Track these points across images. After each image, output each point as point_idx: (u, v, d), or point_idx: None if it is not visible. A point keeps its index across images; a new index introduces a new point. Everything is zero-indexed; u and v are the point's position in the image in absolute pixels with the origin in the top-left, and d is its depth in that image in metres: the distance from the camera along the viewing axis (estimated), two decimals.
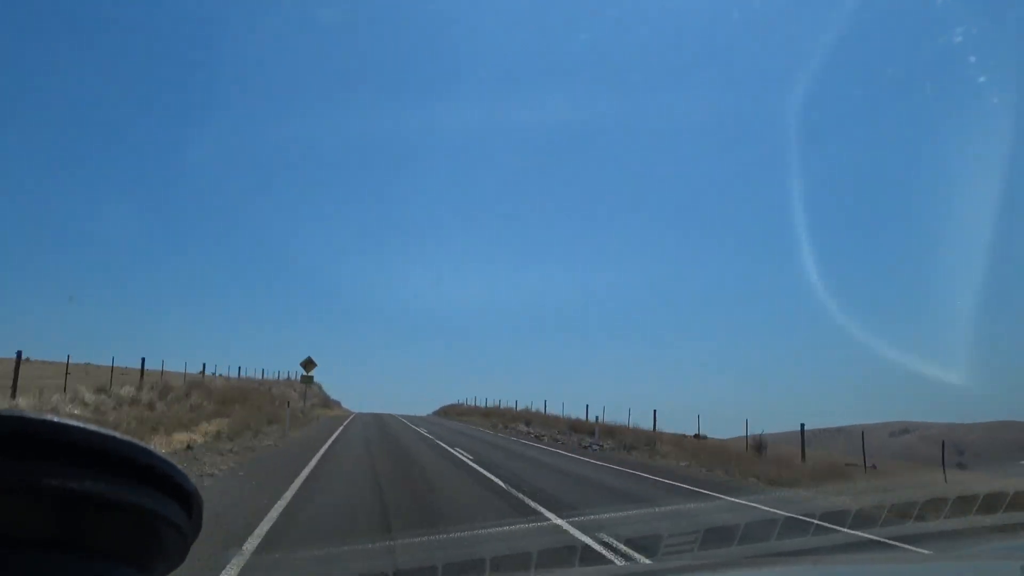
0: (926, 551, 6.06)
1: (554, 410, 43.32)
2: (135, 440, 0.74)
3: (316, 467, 13.93)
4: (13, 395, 17.98)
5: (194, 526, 0.84)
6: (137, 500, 0.73)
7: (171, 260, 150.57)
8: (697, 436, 30.70)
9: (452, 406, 68.31)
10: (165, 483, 0.77)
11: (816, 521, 8.30)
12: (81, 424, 0.70)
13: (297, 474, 12.49)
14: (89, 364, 44.76)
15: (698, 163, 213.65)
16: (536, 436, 32.16)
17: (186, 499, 0.80)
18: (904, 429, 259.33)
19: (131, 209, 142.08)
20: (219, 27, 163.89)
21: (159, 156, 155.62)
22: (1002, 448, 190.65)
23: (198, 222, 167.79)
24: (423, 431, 30.77)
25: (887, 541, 8.00)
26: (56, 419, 0.69)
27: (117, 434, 0.73)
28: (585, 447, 26.14)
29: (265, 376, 54.83)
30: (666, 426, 30.52)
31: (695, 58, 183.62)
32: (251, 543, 6.86)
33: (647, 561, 6.27)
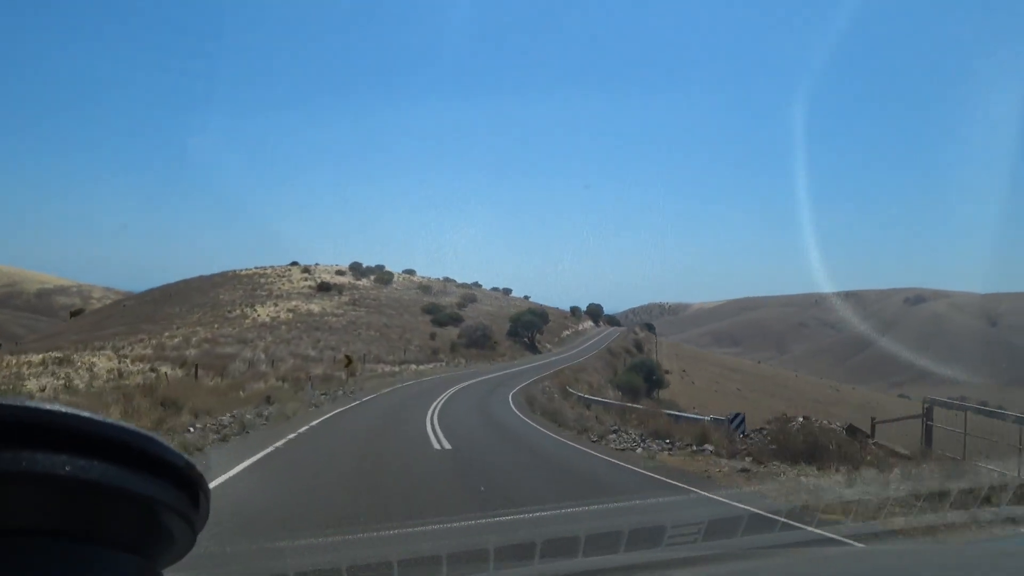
0: None
1: None
2: (140, 429, 0.73)
3: None
4: None
5: (201, 514, 0.82)
6: (142, 489, 0.72)
7: None
8: None
9: None
10: (171, 471, 0.75)
11: None
12: (86, 414, 0.69)
13: None
14: None
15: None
16: None
17: (192, 488, 0.79)
18: (920, 296, 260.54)
19: None
20: None
21: None
22: None
23: None
24: None
25: None
26: (61, 408, 0.68)
27: (122, 423, 0.72)
28: None
29: None
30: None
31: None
32: None
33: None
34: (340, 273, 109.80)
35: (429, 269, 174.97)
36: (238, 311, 65.71)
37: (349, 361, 29.38)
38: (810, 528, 6.44)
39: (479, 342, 55.72)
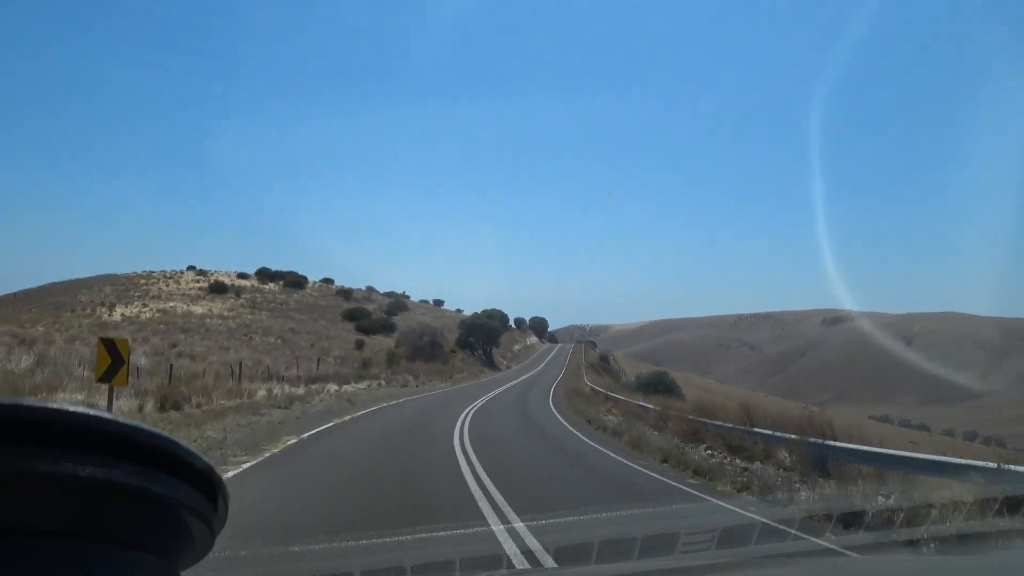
0: None
1: None
2: (159, 431, 0.72)
3: None
4: None
5: (220, 516, 0.81)
6: (161, 490, 0.71)
7: None
8: None
9: None
10: (190, 473, 0.74)
11: None
12: (106, 415, 0.69)
13: None
14: None
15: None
16: None
17: (212, 489, 0.78)
18: (837, 317, 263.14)
19: None
20: None
21: None
22: (954, 339, 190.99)
23: None
24: None
25: None
26: (84, 410, 0.67)
27: (144, 425, 0.71)
28: None
29: None
30: None
31: None
32: None
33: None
34: (243, 277, 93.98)
35: (350, 280, 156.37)
36: (88, 311, 48.36)
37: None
38: None
39: (427, 352, 39.09)
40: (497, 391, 30.94)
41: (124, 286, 75.28)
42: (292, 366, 25.74)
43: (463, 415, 18.10)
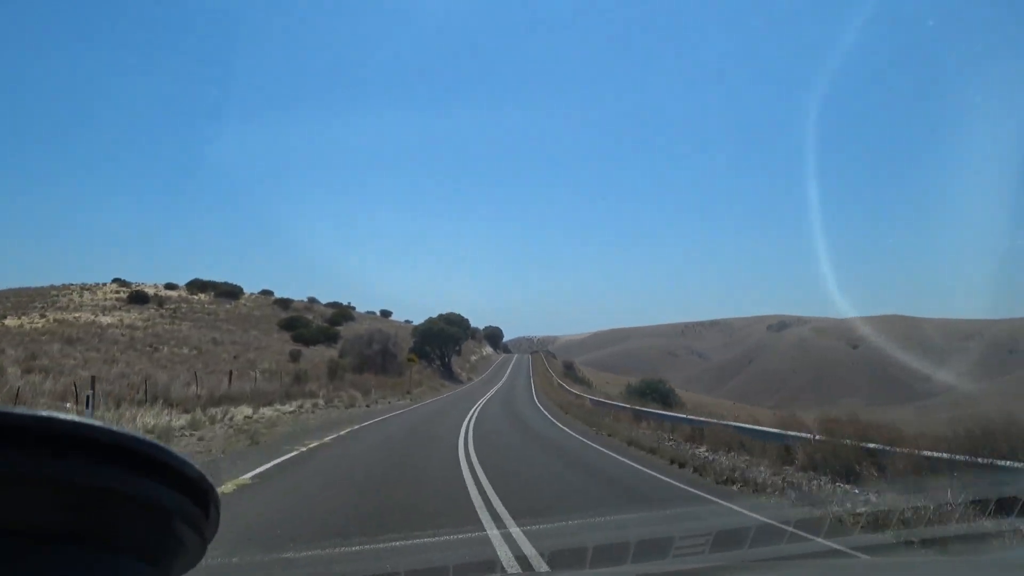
0: None
1: None
2: (151, 439, 0.72)
3: None
4: None
5: (211, 524, 0.80)
6: (153, 497, 0.71)
7: None
8: None
9: None
10: (181, 481, 0.74)
11: None
12: (100, 423, 0.68)
13: None
14: None
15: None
16: None
17: (203, 497, 0.77)
18: (783, 323, 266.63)
19: None
20: None
21: None
22: (899, 341, 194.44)
23: None
24: None
25: None
26: (77, 418, 0.66)
27: (137, 433, 0.70)
28: None
29: None
30: None
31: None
32: None
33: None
34: (171, 287, 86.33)
35: (292, 292, 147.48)
36: None
37: None
38: None
39: (377, 363, 32.67)
40: (476, 409, 25.10)
41: (27, 297, 66.49)
42: (194, 382, 19.07)
43: (467, 470, 10.23)
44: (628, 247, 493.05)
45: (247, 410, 17.03)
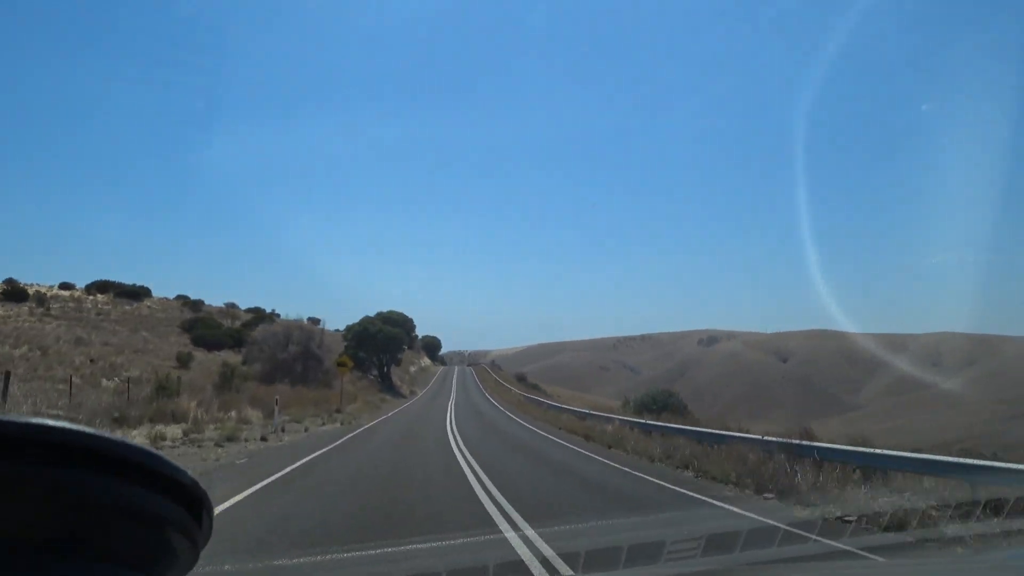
0: None
1: None
2: (145, 446, 0.71)
3: None
4: None
5: (204, 532, 0.80)
6: (145, 505, 0.70)
7: None
8: None
9: None
10: (174, 489, 0.73)
11: None
12: (91, 430, 0.67)
13: None
14: None
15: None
16: None
17: (196, 505, 0.76)
18: (713, 337, 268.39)
19: None
20: None
21: None
22: (827, 355, 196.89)
23: None
24: None
25: None
26: (68, 425, 0.66)
27: (129, 440, 0.70)
28: None
29: None
30: None
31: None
32: None
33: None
34: (66, 287, 75.51)
35: (288, 308, 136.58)
36: None
37: None
38: None
39: (295, 370, 24.84)
40: (454, 440, 17.35)
41: None
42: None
43: None
44: (560, 263, 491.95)
45: None
